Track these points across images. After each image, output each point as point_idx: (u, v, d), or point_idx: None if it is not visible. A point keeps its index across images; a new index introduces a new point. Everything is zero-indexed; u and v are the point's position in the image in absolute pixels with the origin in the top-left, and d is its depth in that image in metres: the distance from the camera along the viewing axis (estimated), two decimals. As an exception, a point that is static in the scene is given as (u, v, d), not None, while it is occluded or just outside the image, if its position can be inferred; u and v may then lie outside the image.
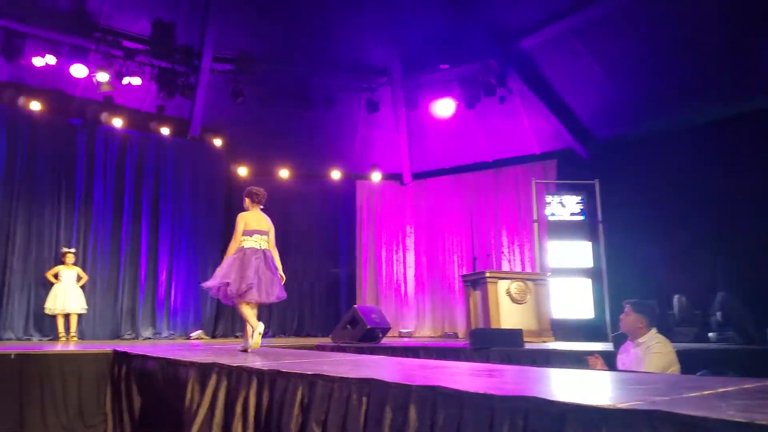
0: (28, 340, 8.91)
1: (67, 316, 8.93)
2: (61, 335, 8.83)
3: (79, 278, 9.18)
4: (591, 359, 4.56)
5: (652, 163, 9.23)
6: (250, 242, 5.15)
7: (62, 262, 9.12)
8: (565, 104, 10.42)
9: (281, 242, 11.68)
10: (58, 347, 6.99)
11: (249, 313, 5.10)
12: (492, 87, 10.30)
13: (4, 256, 9.05)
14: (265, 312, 11.59)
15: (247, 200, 5.40)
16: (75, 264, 9.25)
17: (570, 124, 10.49)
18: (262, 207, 5.40)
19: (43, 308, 8.88)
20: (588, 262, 9.90)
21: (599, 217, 9.75)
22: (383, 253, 12.48)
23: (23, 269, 9.17)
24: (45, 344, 8.21)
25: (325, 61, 11.09)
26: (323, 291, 12.20)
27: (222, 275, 5.00)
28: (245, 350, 5.05)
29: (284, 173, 12.15)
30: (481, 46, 10.38)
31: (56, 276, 9.01)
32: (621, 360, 4.43)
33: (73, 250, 9.32)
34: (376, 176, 12.61)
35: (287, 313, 11.82)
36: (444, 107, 10.88)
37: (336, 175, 12.44)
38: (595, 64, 9.57)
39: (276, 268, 5.25)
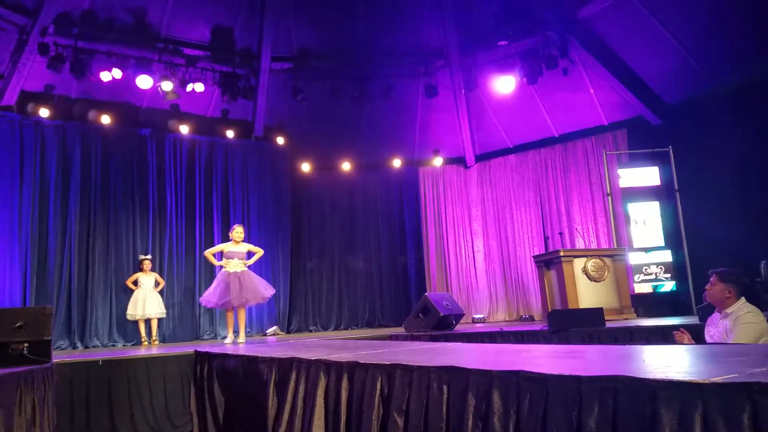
0: (113, 346, 9.29)
1: (148, 321, 9.29)
2: (143, 339, 9.19)
3: (157, 284, 9.52)
4: (677, 334, 4.37)
5: (729, 123, 8.68)
6: (230, 265, 7.57)
7: (140, 269, 9.48)
8: (631, 70, 9.95)
9: (347, 235, 11.91)
10: (142, 351, 7.25)
11: (230, 316, 7.65)
12: (554, 59, 9.93)
13: (86, 266, 9.44)
14: (335, 304, 11.75)
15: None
16: (152, 270, 9.59)
17: (638, 91, 10.01)
18: (236, 239, 7.79)
19: (125, 315, 9.28)
20: (666, 233, 9.50)
21: (675, 185, 9.32)
22: (451, 239, 12.33)
23: (104, 278, 9.55)
24: (129, 349, 8.53)
25: (380, 50, 11.05)
26: (392, 280, 12.17)
27: (210, 294, 7.58)
28: (231, 343, 7.31)
29: (346, 165, 12.20)
30: (539, 18, 10.06)
31: (135, 283, 9.38)
32: (709, 333, 4.24)
33: (149, 256, 9.67)
34: (438, 161, 12.48)
35: (358, 305, 11.90)
36: (505, 85, 10.59)
37: (397, 163, 12.37)
38: (660, 25, 9.09)
39: (254, 279, 7.68)
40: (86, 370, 5.78)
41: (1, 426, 3.24)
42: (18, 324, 4.15)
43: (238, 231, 7.82)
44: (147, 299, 9.20)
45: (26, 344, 4.15)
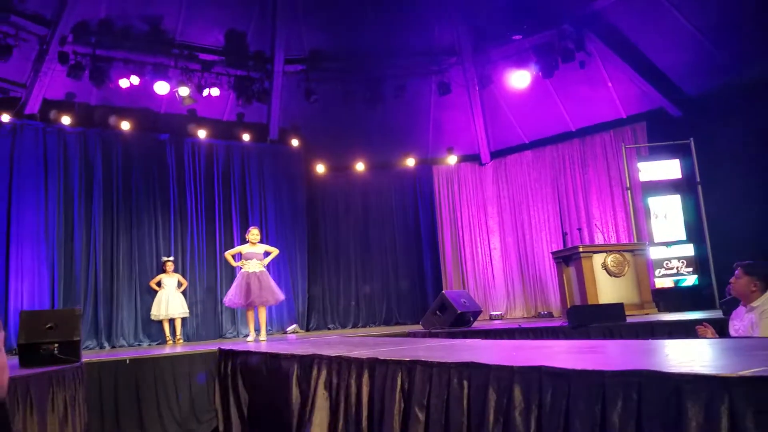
0: (139, 345, 9.47)
1: (171, 321, 9.42)
2: (168, 339, 9.33)
3: (180, 284, 9.64)
4: (700, 328, 4.34)
5: (752, 114, 8.51)
6: (246, 266, 7.77)
7: (163, 271, 9.61)
8: (650, 62, 9.78)
9: (363, 234, 11.94)
10: (167, 350, 7.38)
11: (250, 316, 7.85)
12: (570, 52, 9.79)
13: (111, 268, 9.64)
14: (353, 303, 11.78)
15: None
16: (175, 271, 9.72)
17: (658, 83, 9.84)
18: (253, 240, 7.98)
19: (150, 315, 9.42)
20: (688, 227, 9.38)
21: (697, 177, 9.20)
22: (466, 236, 12.26)
23: (128, 279, 9.74)
24: (154, 348, 8.68)
25: (392, 49, 11.02)
26: (408, 278, 12.14)
27: (233, 295, 7.74)
28: (253, 341, 7.49)
29: (360, 166, 12.19)
30: (554, 11, 9.94)
31: (159, 284, 9.52)
32: (734, 327, 4.18)
33: (171, 258, 9.79)
34: (452, 159, 12.41)
35: (375, 303, 11.91)
36: (519, 80, 10.48)
37: (411, 161, 12.31)
38: (680, 15, 8.96)
39: (268, 280, 7.84)
40: (114, 369, 5.91)
41: (34, 424, 3.32)
42: (48, 325, 4.25)
43: (253, 233, 8.05)
44: (170, 300, 9.34)
45: (56, 345, 4.26)
